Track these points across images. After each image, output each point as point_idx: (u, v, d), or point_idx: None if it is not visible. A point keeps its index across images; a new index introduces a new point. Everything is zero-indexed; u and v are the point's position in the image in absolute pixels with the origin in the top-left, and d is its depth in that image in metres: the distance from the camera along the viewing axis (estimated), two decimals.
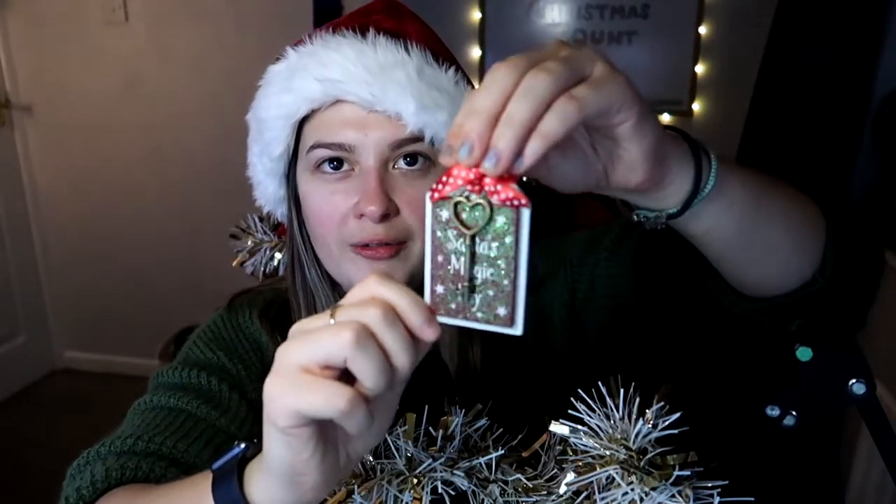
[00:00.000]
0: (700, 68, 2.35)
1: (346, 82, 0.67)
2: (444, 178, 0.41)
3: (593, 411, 0.56)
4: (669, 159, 0.48)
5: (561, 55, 0.41)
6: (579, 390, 0.56)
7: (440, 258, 0.42)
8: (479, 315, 0.42)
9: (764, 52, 2.16)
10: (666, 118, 2.42)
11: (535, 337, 0.81)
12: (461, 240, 0.41)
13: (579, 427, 0.56)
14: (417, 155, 0.70)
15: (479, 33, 2.47)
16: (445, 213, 0.41)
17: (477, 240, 0.41)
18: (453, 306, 0.42)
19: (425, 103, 0.67)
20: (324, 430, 0.41)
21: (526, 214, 0.40)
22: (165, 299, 3.00)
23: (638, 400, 0.55)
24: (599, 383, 0.56)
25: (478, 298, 0.42)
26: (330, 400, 0.38)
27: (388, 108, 0.67)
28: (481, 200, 0.40)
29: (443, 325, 0.43)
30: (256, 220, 1.01)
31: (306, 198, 0.73)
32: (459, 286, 0.42)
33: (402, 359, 0.40)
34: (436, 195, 0.41)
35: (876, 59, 2.10)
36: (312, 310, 0.79)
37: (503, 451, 0.59)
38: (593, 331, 0.81)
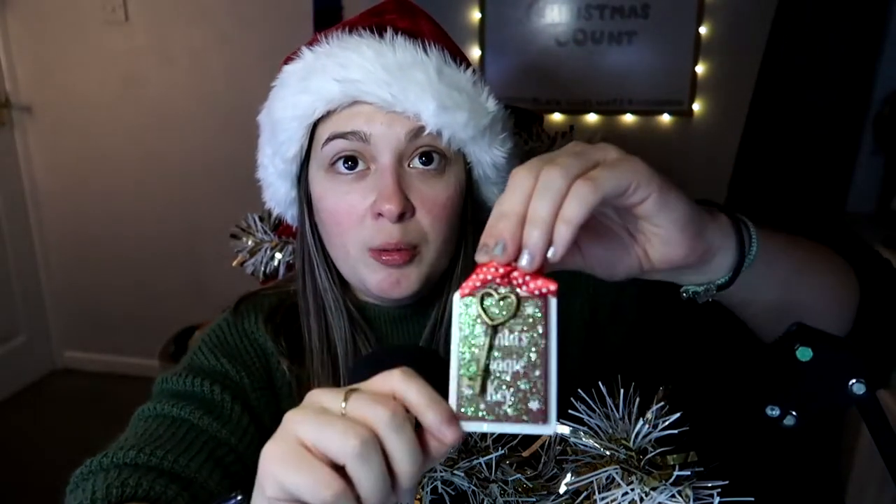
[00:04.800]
0: (700, 68, 2.35)
1: (365, 82, 0.66)
2: (473, 276, 0.41)
3: (593, 411, 0.56)
4: (708, 230, 0.48)
5: (574, 150, 0.43)
6: (579, 390, 0.57)
7: (467, 356, 0.41)
8: (510, 412, 0.40)
9: (764, 52, 2.16)
10: (666, 118, 2.42)
11: None
12: (489, 335, 0.41)
13: (579, 427, 0.56)
14: (433, 153, 0.69)
15: (479, 33, 2.47)
16: (474, 309, 0.41)
17: (506, 332, 0.41)
18: (482, 406, 0.40)
19: (445, 104, 0.67)
20: None
21: (553, 303, 0.40)
22: (165, 299, 3.00)
23: (638, 400, 0.55)
24: (600, 383, 0.57)
25: (508, 394, 0.40)
26: (316, 487, 0.36)
27: (407, 109, 0.66)
28: (510, 294, 0.41)
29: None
30: (257, 219, 1.01)
31: (321, 198, 0.72)
32: (488, 383, 0.40)
33: (405, 466, 0.38)
34: (465, 290, 0.41)
35: (876, 59, 2.10)
36: (321, 314, 0.78)
37: (503, 451, 0.59)
38: (612, 348, 0.80)
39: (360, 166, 0.70)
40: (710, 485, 0.52)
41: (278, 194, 0.79)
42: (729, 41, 2.31)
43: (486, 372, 0.40)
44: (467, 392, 0.40)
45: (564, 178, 0.41)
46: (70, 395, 3.05)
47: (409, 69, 0.67)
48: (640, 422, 0.53)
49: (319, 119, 0.71)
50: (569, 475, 0.55)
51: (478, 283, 0.41)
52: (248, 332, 0.80)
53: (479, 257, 0.41)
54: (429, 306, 0.79)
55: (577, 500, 0.54)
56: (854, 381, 0.53)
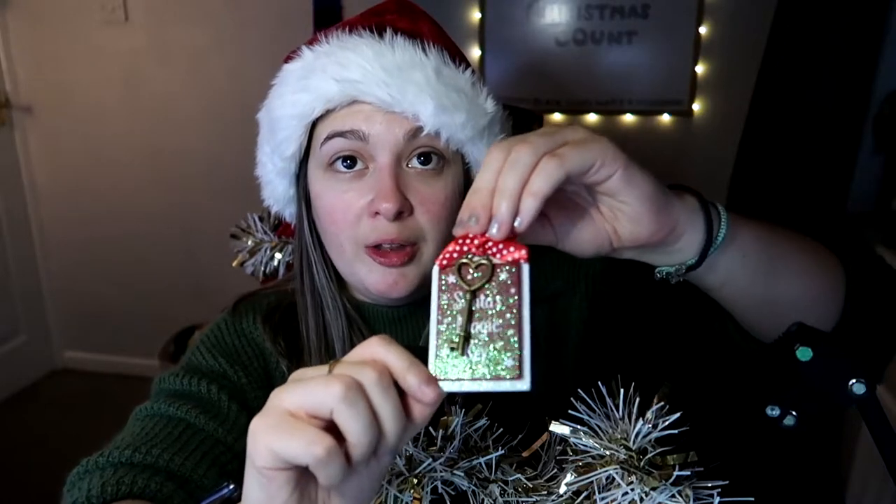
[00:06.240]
0: (700, 68, 2.35)
1: (365, 83, 0.67)
2: (450, 248, 0.44)
3: (593, 411, 0.56)
4: (675, 209, 0.50)
5: (545, 131, 0.46)
6: (579, 390, 0.57)
7: (447, 320, 0.43)
8: (487, 372, 0.42)
9: (764, 52, 2.16)
10: (666, 118, 2.42)
11: (548, 348, 0.80)
12: (464, 299, 0.43)
13: (579, 427, 0.56)
14: (431, 154, 0.69)
15: (479, 33, 2.47)
16: (452, 278, 0.44)
17: (482, 296, 0.43)
18: (460, 366, 0.42)
19: (444, 104, 0.67)
20: (303, 481, 0.40)
21: (525, 269, 0.43)
22: (165, 299, 3.00)
23: (638, 400, 0.55)
24: (600, 383, 0.57)
25: (484, 354, 0.42)
26: (307, 445, 0.37)
27: (405, 109, 0.67)
28: (484, 261, 0.44)
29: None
30: (256, 219, 1.01)
31: (318, 196, 0.73)
32: (465, 346, 0.42)
33: (390, 424, 0.39)
34: (443, 262, 0.44)
35: (876, 59, 2.10)
36: (320, 311, 0.78)
37: (503, 451, 0.59)
38: (608, 346, 0.80)
39: (359, 165, 0.70)
40: (710, 485, 0.52)
41: (277, 192, 0.79)
42: (729, 41, 2.31)
43: (464, 335, 0.43)
44: (445, 355, 0.43)
45: (532, 155, 0.44)
46: (70, 395, 3.05)
47: (407, 70, 0.67)
48: (640, 422, 0.53)
49: (318, 118, 0.71)
50: (569, 475, 0.55)
51: (455, 255, 0.44)
52: (247, 331, 0.80)
53: (456, 231, 0.45)
54: (427, 306, 0.79)
55: (577, 500, 0.54)
56: (854, 380, 0.53)
